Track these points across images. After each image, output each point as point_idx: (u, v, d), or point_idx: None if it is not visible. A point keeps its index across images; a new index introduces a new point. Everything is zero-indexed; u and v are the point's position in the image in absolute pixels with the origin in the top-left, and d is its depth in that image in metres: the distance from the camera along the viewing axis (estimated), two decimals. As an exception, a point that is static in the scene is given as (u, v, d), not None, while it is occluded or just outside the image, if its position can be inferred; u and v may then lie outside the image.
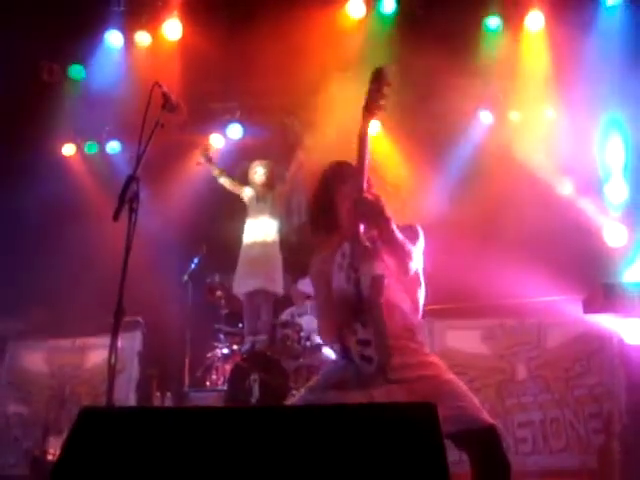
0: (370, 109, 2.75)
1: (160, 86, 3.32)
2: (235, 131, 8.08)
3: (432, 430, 1.58)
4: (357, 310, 2.70)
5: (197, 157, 7.05)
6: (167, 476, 1.66)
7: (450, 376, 2.69)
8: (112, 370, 2.99)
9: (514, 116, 7.28)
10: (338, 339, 2.75)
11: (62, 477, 1.68)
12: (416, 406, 1.58)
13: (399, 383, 2.59)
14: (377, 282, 2.68)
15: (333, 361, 3.22)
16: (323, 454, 1.52)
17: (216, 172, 7.02)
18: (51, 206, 7.84)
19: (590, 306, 4.63)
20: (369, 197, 2.70)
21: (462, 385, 2.68)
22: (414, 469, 1.53)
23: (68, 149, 8.16)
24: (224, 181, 7.00)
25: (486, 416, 2.56)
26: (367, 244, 2.75)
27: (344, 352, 2.74)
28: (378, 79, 2.75)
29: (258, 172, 6.83)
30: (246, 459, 1.62)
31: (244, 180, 6.97)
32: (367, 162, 2.74)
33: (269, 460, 1.59)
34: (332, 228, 2.96)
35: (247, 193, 6.90)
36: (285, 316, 7.23)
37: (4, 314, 6.44)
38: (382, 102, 2.72)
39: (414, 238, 2.87)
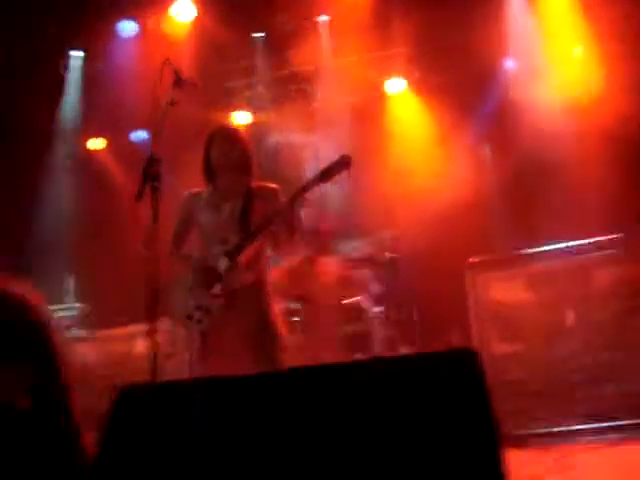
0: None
1: (170, 63, 3.28)
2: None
3: (474, 379, 1.47)
4: None
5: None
6: (214, 448, 1.61)
7: None
8: (155, 355, 3.00)
9: (539, 59, 7.04)
10: None
11: (103, 464, 1.65)
12: (454, 353, 1.50)
13: None
14: None
15: None
16: (358, 413, 1.46)
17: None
18: (85, 201, 7.91)
19: (634, 243, 4.49)
20: None
21: None
22: (458, 424, 1.42)
23: (94, 143, 8.16)
24: None
25: None
26: None
27: None
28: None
29: None
30: (294, 423, 1.56)
31: None
32: None
33: (312, 425, 1.53)
34: None
35: None
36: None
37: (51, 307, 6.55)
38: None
39: None
